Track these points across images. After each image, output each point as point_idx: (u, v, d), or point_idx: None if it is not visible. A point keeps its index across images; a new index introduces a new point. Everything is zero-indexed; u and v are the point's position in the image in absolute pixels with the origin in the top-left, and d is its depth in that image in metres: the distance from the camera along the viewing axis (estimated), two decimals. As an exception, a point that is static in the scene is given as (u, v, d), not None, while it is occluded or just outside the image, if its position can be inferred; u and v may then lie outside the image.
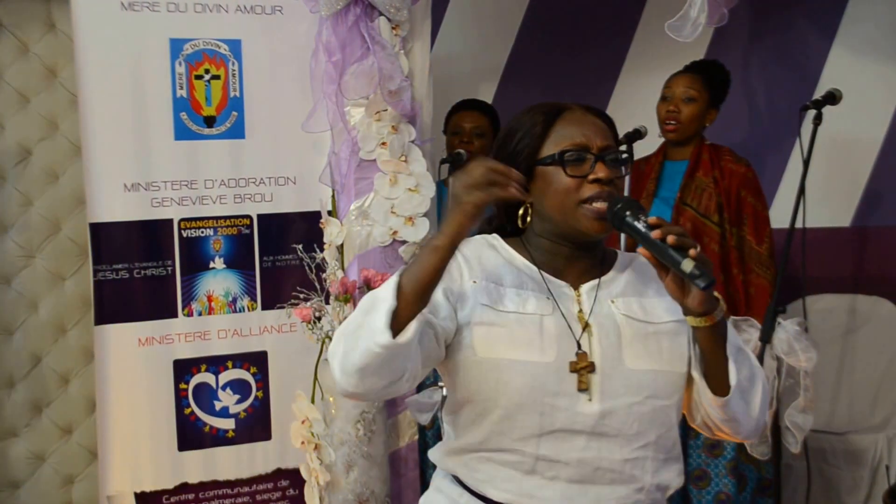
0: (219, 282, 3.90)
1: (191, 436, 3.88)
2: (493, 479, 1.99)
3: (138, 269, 3.82)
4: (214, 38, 3.91)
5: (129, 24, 3.80)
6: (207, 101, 3.90)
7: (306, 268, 3.81)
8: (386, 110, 3.89)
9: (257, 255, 3.95)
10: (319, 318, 3.74)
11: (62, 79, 4.37)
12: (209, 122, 3.90)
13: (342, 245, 3.91)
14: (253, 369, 3.95)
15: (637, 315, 2.02)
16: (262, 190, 3.95)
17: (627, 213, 1.93)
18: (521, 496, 1.96)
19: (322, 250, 3.88)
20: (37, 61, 4.36)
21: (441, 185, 4.09)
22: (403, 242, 3.93)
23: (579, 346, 1.96)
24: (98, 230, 3.77)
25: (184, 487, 3.86)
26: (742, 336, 3.53)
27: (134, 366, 3.81)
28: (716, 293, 1.91)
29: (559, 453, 1.94)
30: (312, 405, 3.74)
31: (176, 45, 3.87)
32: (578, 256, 2.06)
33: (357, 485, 3.70)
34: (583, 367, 1.94)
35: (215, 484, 3.90)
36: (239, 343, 3.93)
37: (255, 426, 3.96)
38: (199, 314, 3.87)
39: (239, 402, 3.94)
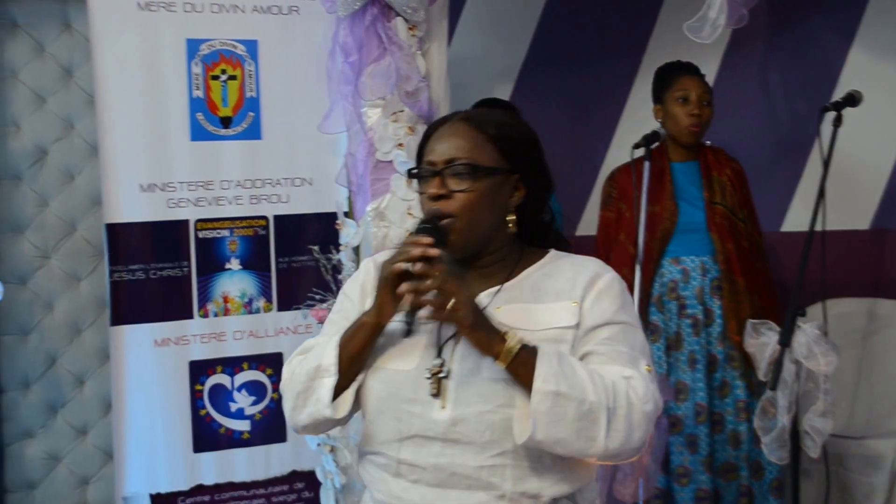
0: (235, 283, 3.89)
1: (206, 437, 3.86)
2: (373, 481, 2.10)
3: (154, 269, 3.81)
4: (231, 38, 3.90)
5: (146, 24, 3.80)
6: (224, 101, 3.89)
7: (322, 269, 3.80)
8: (403, 111, 3.87)
9: (273, 257, 3.94)
10: (335, 320, 3.72)
11: (78, 79, 4.36)
12: (225, 122, 3.89)
13: (358, 246, 3.90)
14: (269, 371, 3.94)
15: (516, 323, 1.97)
16: (279, 191, 3.94)
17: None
18: (392, 498, 2.04)
19: (338, 251, 3.86)
20: (52, 61, 4.35)
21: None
22: (420, 244, 3.91)
23: (439, 354, 2.00)
24: (114, 231, 3.76)
25: (199, 489, 3.85)
26: (760, 339, 3.50)
27: (149, 367, 3.80)
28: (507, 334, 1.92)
29: (417, 458, 1.99)
30: (329, 407, 3.72)
31: (192, 46, 3.86)
32: (469, 266, 2.08)
33: (373, 487, 3.68)
34: (438, 375, 1.98)
35: (231, 486, 3.89)
36: (255, 344, 3.92)
37: (271, 428, 3.94)
38: (215, 315, 3.86)
39: (254, 403, 3.93)
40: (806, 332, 3.42)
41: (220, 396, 3.88)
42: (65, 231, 4.39)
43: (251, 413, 3.92)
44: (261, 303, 3.92)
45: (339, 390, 2.03)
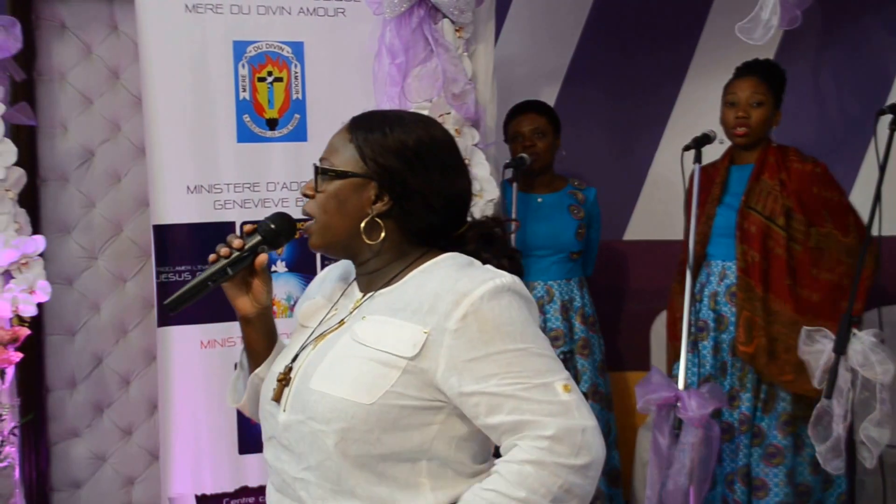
0: (280, 285, 3.88)
1: (251, 439, 3.85)
2: None
3: (200, 271, 3.78)
4: (277, 40, 3.90)
5: (193, 25, 3.80)
6: (270, 103, 3.89)
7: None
8: (449, 113, 3.85)
9: (319, 259, 3.93)
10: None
11: (125, 80, 4.37)
12: (272, 124, 3.88)
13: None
14: (316, 373, 3.92)
15: (360, 336, 1.90)
16: (325, 193, 3.92)
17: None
18: (268, 496, 2.05)
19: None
20: (100, 63, 4.36)
21: (506, 189, 4.03)
22: (467, 247, 3.89)
23: (295, 359, 2.01)
24: (161, 232, 3.77)
25: (244, 491, 3.85)
26: (814, 347, 3.45)
27: (196, 368, 3.81)
28: None
29: (269, 459, 2.02)
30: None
31: (239, 48, 3.86)
32: (358, 269, 2.06)
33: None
34: (282, 379, 1.98)
35: (262, 490, 3.87)
36: (300, 347, 3.90)
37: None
38: (261, 317, 3.84)
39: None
40: (862, 340, 3.37)
41: (266, 399, 3.87)
42: (111, 232, 4.40)
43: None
44: (309, 305, 3.90)
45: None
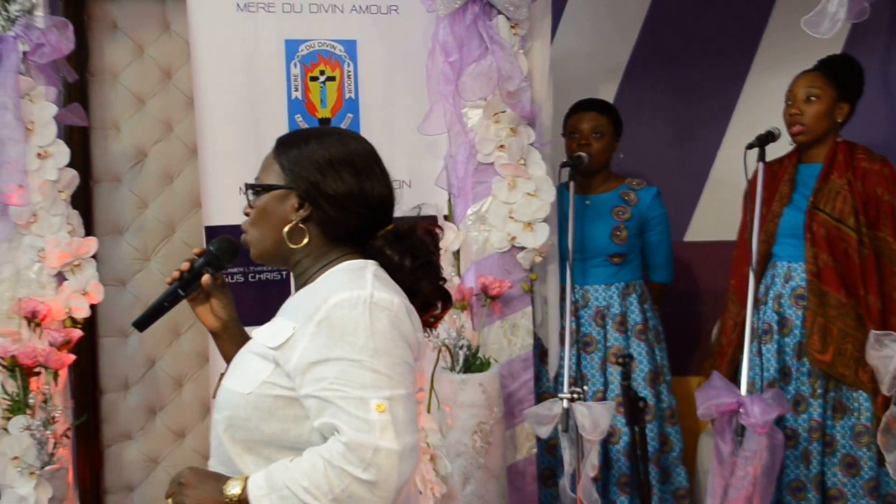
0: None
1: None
2: None
3: (253, 273, 3.78)
4: (330, 38, 3.86)
5: (245, 25, 3.79)
6: (322, 102, 3.85)
7: (422, 274, 3.71)
8: (504, 112, 3.81)
9: (372, 261, 3.87)
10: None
11: (177, 80, 4.34)
12: (324, 124, 3.84)
13: (458, 251, 3.82)
14: (367, 377, 3.87)
15: (257, 334, 2.08)
16: (377, 193, 3.87)
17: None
18: None
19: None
20: (152, 63, 4.34)
21: (562, 190, 3.95)
22: (522, 248, 3.83)
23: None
24: (213, 233, 3.73)
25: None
26: (883, 352, 3.34)
27: (248, 371, 3.76)
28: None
29: None
30: (428, 415, 3.65)
31: (291, 47, 3.83)
32: (293, 275, 2.19)
33: (474, 498, 3.60)
34: (221, 379, 2.14)
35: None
36: (353, 349, 3.84)
37: (369, 435, 3.87)
38: (313, 319, 3.80)
39: (352, 409, 3.86)
40: (931, 345, 3.25)
41: (319, 402, 3.82)
42: (164, 233, 4.38)
43: (349, 420, 3.85)
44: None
45: None
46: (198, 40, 3.75)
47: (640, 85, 4.85)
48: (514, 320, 3.84)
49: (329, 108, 3.85)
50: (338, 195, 2.06)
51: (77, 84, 4.10)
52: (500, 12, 3.79)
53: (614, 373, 4.15)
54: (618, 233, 4.23)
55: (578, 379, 4.12)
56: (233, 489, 1.93)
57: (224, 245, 2.26)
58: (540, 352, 4.10)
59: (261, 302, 3.77)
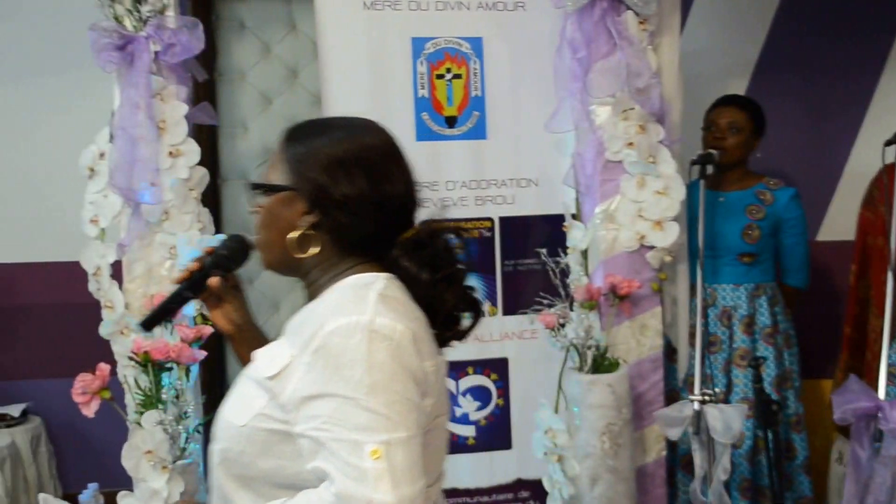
0: (462, 285, 3.81)
1: (461, 440, 3.85)
2: None
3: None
4: (456, 36, 3.84)
5: (372, 23, 3.78)
6: (449, 100, 3.84)
7: (550, 272, 3.67)
8: (633, 109, 3.75)
9: (498, 259, 3.86)
10: (563, 325, 3.61)
11: (303, 79, 4.37)
12: (450, 122, 3.83)
13: (586, 250, 3.78)
14: (493, 376, 3.86)
15: (258, 355, 1.85)
16: (504, 192, 3.86)
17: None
18: None
19: (565, 254, 3.74)
20: (278, 62, 4.38)
21: (693, 188, 3.88)
22: (651, 248, 3.76)
23: None
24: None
25: (454, 492, 3.84)
26: None
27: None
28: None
29: None
30: (556, 415, 3.61)
31: (418, 44, 3.82)
32: (304, 286, 1.97)
33: (602, 500, 3.55)
34: None
35: (455, 492, 3.84)
36: (479, 349, 3.85)
37: (496, 434, 3.87)
38: (440, 318, 3.79)
39: (479, 409, 3.86)
40: None
41: (445, 401, 3.82)
42: (290, 231, 4.41)
43: (476, 419, 3.85)
44: (486, 306, 3.83)
45: None
46: (325, 39, 3.76)
47: (771, 80, 4.76)
48: (643, 320, 3.78)
49: (455, 105, 3.83)
50: (348, 200, 1.83)
51: (206, 83, 4.15)
52: (628, 8, 3.73)
53: (739, 375, 4.07)
54: (749, 231, 4.14)
55: (704, 380, 4.05)
56: None
57: (235, 245, 2.11)
58: (669, 352, 4.04)
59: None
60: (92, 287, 3.72)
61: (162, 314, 2.12)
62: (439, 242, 1.89)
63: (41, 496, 3.59)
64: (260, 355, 1.83)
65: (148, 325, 2.12)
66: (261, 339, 2.09)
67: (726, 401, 4.03)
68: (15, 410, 5.07)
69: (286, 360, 1.75)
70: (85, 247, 3.67)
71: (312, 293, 1.90)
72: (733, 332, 4.15)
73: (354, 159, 1.85)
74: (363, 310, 1.74)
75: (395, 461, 1.65)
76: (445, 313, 1.88)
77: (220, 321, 2.11)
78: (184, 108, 3.69)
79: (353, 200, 1.83)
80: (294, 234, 1.86)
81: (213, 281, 2.06)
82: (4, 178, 5.11)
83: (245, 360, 2.03)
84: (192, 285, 2.07)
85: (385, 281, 1.82)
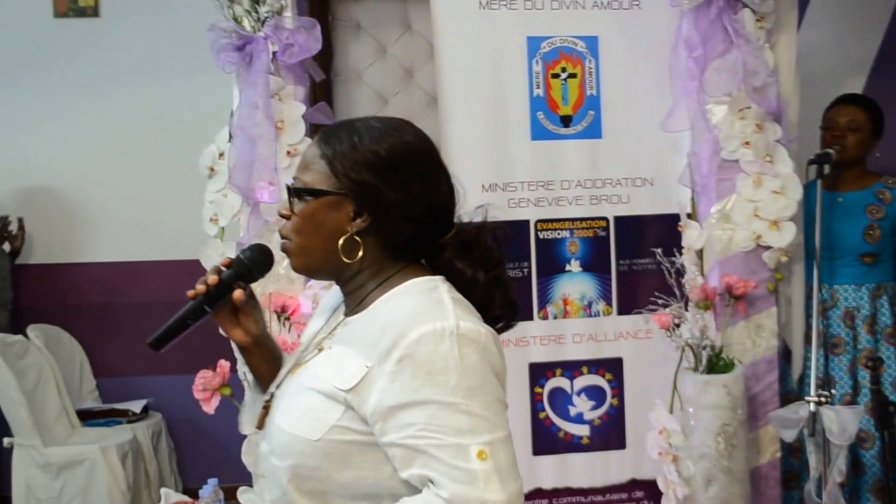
0: (574, 285, 3.83)
1: (545, 440, 3.84)
2: None
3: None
4: (571, 35, 3.84)
5: (487, 23, 3.80)
6: (564, 100, 3.84)
7: (665, 272, 3.66)
8: (750, 108, 3.72)
9: (613, 259, 3.86)
10: (678, 325, 3.60)
11: (418, 79, 4.41)
12: (566, 121, 3.84)
13: (702, 249, 3.76)
14: (608, 376, 3.86)
15: (316, 366, 1.82)
16: (619, 191, 3.85)
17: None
18: None
19: (681, 254, 3.73)
20: (394, 62, 4.42)
21: (810, 188, 3.83)
22: (767, 248, 3.73)
23: (278, 386, 1.95)
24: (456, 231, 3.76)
25: (538, 493, 3.83)
26: None
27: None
28: None
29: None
30: (671, 415, 3.61)
31: (533, 44, 3.83)
32: (341, 288, 1.94)
33: (717, 501, 3.53)
34: (266, 407, 1.95)
35: (568, 491, 3.85)
36: (594, 348, 3.86)
37: (610, 434, 3.87)
38: (555, 317, 3.82)
39: (594, 408, 3.86)
40: None
41: (560, 400, 3.84)
42: (405, 230, 4.45)
43: (590, 418, 3.86)
44: (600, 306, 3.84)
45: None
46: (441, 38, 3.78)
47: (889, 77, 4.67)
48: (758, 321, 3.75)
49: (570, 105, 3.83)
50: (401, 203, 1.80)
51: (322, 83, 4.21)
52: (745, 5, 3.70)
53: (866, 376, 4.01)
54: (871, 231, 4.09)
55: (825, 381, 4.01)
56: None
57: (257, 255, 1.99)
58: (784, 352, 4.00)
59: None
60: (213, 285, 3.80)
61: (175, 331, 1.95)
62: (485, 243, 1.87)
63: (163, 491, 3.68)
64: (321, 364, 1.81)
65: (158, 343, 1.95)
66: (274, 350, 2.07)
67: (853, 402, 3.99)
68: (136, 406, 5.22)
69: (362, 371, 1.72)
70: (205, 245, 3.75)
71: (357, 297, 1.87)
72: (857, 333, 4.10)
73: (402, 160, 1.82)
74: (445, 315, 1.72)
75: (499, 460, 1.66)
76: (492, 315, 1.85)
77: (238, 334, 1.99)
78: (301, 108, 3.74)
79: (406, 204, 1.80)
80: (343, 238, 1.82)
81: (238, 294, 1.93)
82: (135, 179, 5.26)
83: (259, 372, 2.03)
84: (210, 299, 1.95)
85: (446, 284, 1.82)
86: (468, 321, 1.73)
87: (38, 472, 4.83)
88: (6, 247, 5.33)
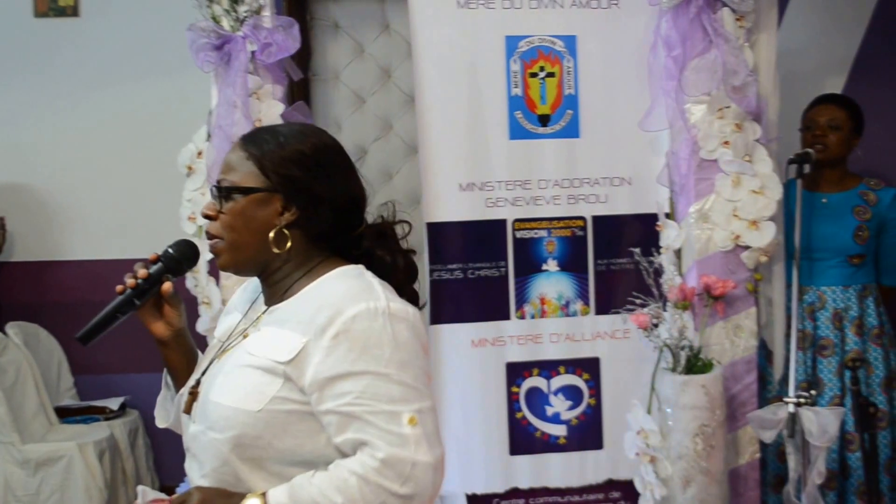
0: (552, 284, 3.82)
1: (522, 440, 3.83)
2: None
3: (472, 269, 3.79)
4: (550, 34, 3.82)
5: (465, 22, 3.78)
6: (542, 99, 3.82)
7: (643, 272, 3.65)
8: (729, 107, 3.70)
9: (591, 258, 3.84)
10: (657, 325, 3.58)
11: (396, 79, 4.40)
12: (544, 120, 3.82)
13: (680, 249, 3.74)
14: (585, 375, 3.85)
15: (251, 346, 1.96)
16: (597, 191, 3.84)
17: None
18: None
19: (659, 254, 3.71)
20: (372, 62, 4.41)
21: (790, 186, 3.83)
22: (746, 247, 3.72)
23: (205, 372, 2.05)
24: (434, 230, 3.77)
25: (514, 492, 3.82)
26: None
27: (467, 367, 3.79)
28: None
29: (186, 469, 2.07)
30: (648, 416, 3.59)
31: (511, 43, 3.81)
32: (263, 281, 2.08)
33: (695, 502, 3.52)
34: (193, 392, 2.04)
35: (545, 491, 3.83)
36: (571, 348, 3.84)
37: (587, 434, 3.85)
38: (532, 317, 3.80)
39: (571, 408, 3.85)
40: None
41: (537, 400, 3.83)
42: (383, 230, 4.44)
43: (567, 418, 3.85)
44: (578, 306, 3.83)
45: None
46: (419, 38, 3.76)
47: (870, 77, 4.68)
48: (737, 321, 3.74)
49: (549, 104, 3.82)
50: (327, 195, 1.97)
51: (301, 83, 4.20)
52: (724, 4, 3.68)
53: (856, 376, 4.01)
54: (860, 233, 4.10)
55: (813, 383, 4.02)
56: None
57: (185, 249, 2.12)
58: (767, 354, 3.99)
59: (478, 298, 3.79)
60: (189, 284, 3.79)
61: (103, 325, 2.06)
62: (394, 233, 2.07)
63: (139, 488, 3.66)
64: (256, 344, 1.94)
65: (86, 337, 2.06)
66: (191, 345, 2.21)
67: (842, 405, 3.98)
68: (114, 404, 5.20)
69: (299, 345, 1.87)
70: (183, 243, 3.73)
71: (282, 287, 2.01)
72: (845, 335, 4.09)
73: (324, 156, 2.00)
74: (376, 296, 1.89)
75: (427, 426, 1.86)
76: (408, 295, 2.02)
77: (159, 327, 2.14)
78: (280, 107, 3.74)
79: (329, 195, 1.98)
80: (272, 232, 1.97)
81: (168, 286, 2.10)
82: (114, 177, 5.24)
83: (176, 367, 2.18)
84: (139, 293, 2.07)
85: (367, 270, 1.99)
86: (397, 302, 1.92)
87: (15, 469, 4.80)
88: (-14, 244, 5.31)
